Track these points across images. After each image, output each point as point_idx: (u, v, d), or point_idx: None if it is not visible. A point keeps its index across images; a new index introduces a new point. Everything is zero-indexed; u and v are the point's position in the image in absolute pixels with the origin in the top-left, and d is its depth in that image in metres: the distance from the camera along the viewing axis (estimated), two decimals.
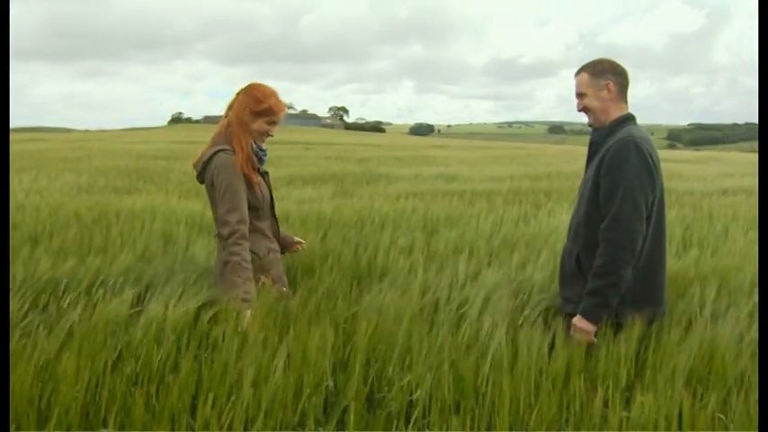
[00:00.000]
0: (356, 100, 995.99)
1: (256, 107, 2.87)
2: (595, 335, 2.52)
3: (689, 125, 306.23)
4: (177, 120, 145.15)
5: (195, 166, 2.95)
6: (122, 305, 2.58)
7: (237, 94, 2.92)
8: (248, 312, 2.51)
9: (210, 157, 2.85)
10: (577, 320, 2.58)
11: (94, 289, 3.06)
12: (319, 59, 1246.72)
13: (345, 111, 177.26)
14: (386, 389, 2.19)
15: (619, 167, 2.53)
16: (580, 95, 2.73)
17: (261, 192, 2.91)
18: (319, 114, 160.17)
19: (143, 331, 2.38)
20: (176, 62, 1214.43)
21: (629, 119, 2.69)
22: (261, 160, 2.98)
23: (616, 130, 2.65)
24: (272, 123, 2.92)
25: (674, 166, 16.47)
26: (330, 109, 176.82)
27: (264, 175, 3.03)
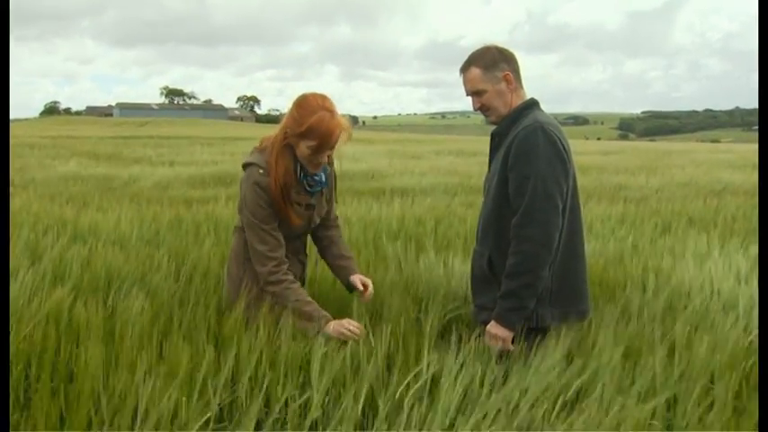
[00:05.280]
0: (272, 88, 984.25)
1: (297, 128, 2.70)
2: (513, 341, 2.59)
3: (643, 113, 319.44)
4: (52, 110, 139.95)
5: None
6: None
7: (296, 100, 2.77)
8: (327, 323, 2.69)
9: (245, 167, 2.84)
10: (492, 327, 2.62)
11: None
12: (231, 41, 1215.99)
13: (256, 101, 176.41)
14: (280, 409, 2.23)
15: (527, 156, 2.56)
16: (477, 93, 2.74)
17: (289, 223, 2.83)
18: (226, 105, 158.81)
19: None
20: (55, 41, 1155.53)
21: (533, 104, 2.75)
22: (308, 190, 2.88)
23: (519, 117, 2.69)
24: (319, 150, 2.71)
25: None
26: (239, 99, 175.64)
27: (309, 207, 2.92)
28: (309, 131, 2.67)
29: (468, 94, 2.78)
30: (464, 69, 2.76)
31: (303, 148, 2.72)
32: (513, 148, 2.61)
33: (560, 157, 2.60)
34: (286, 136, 2.76)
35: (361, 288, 2.99)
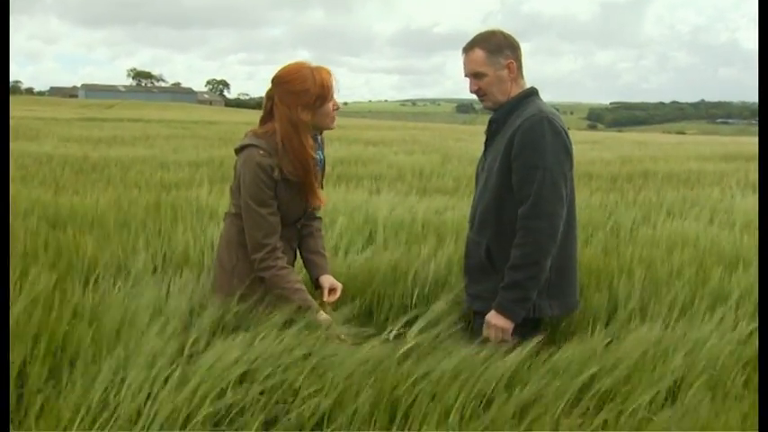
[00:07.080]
0: (243, 72, 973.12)
1: (307, 99, 2.66)
2: (513, 332, 2.59)
3: (611, 104, 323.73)
4: (14, 90, 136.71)
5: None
6: None
7: (273, 81, 2.72)
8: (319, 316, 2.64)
9: (241, 149, 2.74)
10: (492, 317, 2.61)
11: None
12: (203, 24, 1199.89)
13: (226, 85, 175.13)
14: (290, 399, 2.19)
15: (534, 146, 2.54)
16: (476, 75, 2.71)
17: (288, 207, 2.78)
18: (195, 89, 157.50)
19: None
20: (18, 18, 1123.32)
21: (533, 93, 2.73)
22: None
23: (519, 106, 2.68)
24: (323, 102, 2.68)
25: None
26: (208, 83, 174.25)
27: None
28: (322, 93, 2.66)
29: (466, 75, 2.74)
30: (467, 50, 2.72)
31: (323, 111, 2.70)
32: (517, 138, 2.58)
33: (565, 147, 2.60)
34: (297, 120, 2.67)
35: (327, 293, 2.90)
